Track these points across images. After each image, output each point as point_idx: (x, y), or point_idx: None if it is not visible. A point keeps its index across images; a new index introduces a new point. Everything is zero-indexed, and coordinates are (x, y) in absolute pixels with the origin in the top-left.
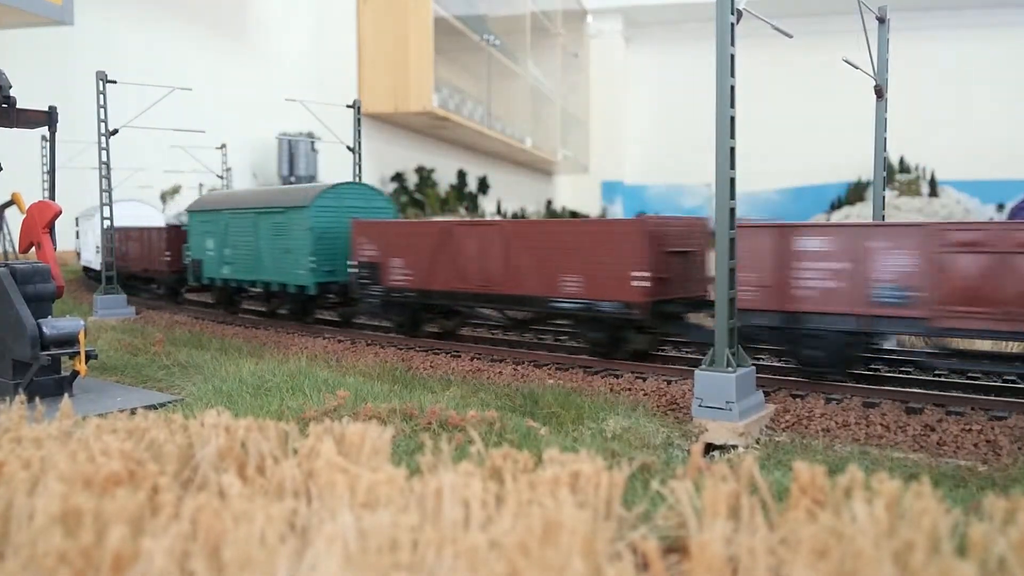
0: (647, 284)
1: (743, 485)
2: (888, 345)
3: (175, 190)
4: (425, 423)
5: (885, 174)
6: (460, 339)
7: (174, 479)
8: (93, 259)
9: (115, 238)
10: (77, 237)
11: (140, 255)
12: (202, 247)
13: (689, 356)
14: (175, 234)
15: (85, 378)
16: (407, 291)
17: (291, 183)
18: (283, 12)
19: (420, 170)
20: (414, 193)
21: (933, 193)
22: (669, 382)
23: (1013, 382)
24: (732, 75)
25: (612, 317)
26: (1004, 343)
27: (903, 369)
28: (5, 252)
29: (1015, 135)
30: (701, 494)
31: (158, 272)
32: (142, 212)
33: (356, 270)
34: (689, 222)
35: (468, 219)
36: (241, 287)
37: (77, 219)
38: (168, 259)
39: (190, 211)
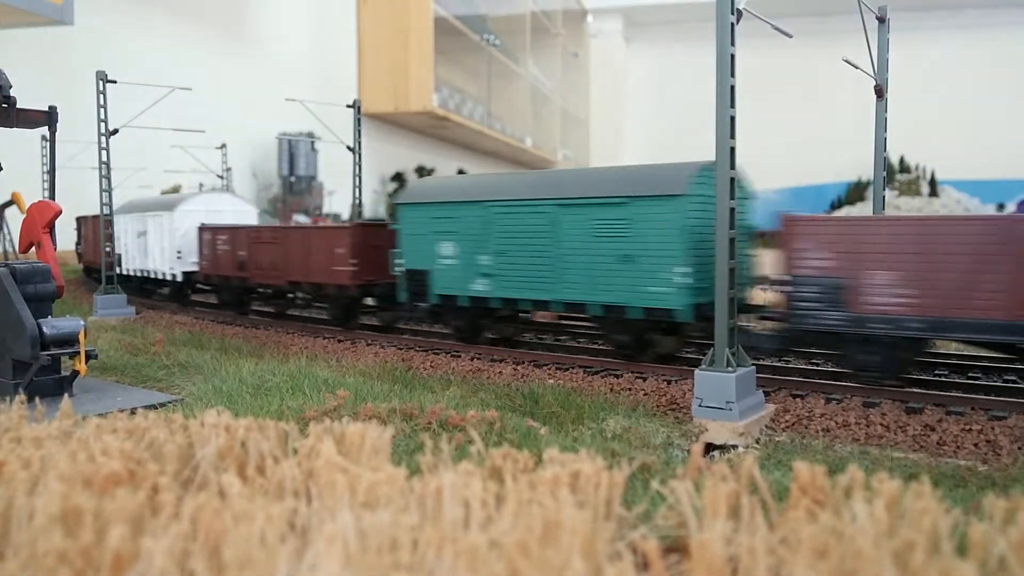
0: None
1: (743, 485)
2: None
3: (175, 190)
4: (425, 423)
5: (885, 174)
6: (460, 339)
7: (174, 479)
8: (160, 266)
9: (212, 240)
10: (110, 240)
11: (283, 263)
12: (429, 252)
13: (689, 356)
14: (364, 235)
15: (85, 378)
16: (905, 320)
17: (291, 183)
18: (283, 12)
19: (420, 170)
20: None
21: (933, 193)
22: (669, 382)
23: (1013, 382)
24: (732, 75)
25: None
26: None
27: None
28: (5, 252)
29: (1015, 135)
30: (701, 494)
31: (331, 286)
32: (234, 206)
33: (793, 288)
34: None
35: None
36: (509, 307)
37: (111, 217)
38: (353, 268)
39: (403, 204)
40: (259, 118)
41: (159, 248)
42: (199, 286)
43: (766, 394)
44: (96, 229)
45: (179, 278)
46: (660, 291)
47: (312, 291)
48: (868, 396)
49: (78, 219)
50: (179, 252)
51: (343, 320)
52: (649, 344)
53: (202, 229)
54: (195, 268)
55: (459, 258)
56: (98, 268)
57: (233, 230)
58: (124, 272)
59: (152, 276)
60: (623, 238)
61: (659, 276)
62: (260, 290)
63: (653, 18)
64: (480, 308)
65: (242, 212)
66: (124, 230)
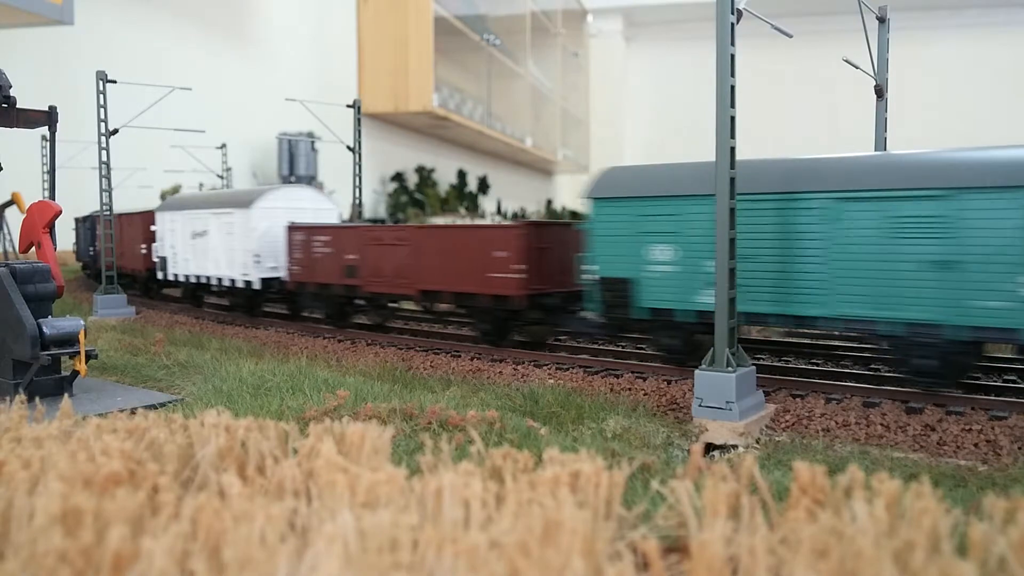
0: None
1: (743, 485)
2: None
3: (175, 190)
4: (425, 423)
5: None
6: (460, 339)
7: (174, 479)
8: (228, 271)
9: (307, 242)
10: (153, 240)
11: (414, 269)
12: (633, 257)
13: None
14: (531, 235)
15: (85, 378)
16: None
17: (291, 183)
18: (283, 12)
19: (420, 170)
20: (414, 193)
21: None
22: (669, 382)
23: (1013, 382)
24: (732, 75)
25: None
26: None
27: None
28: (5, 252)
29: (1015, 135)
30: (701, 494)
31: (486, 296)
32: (315, 203)
33: None
34: None
35: None
36: (750, 324)
37: (160, 212)
38: (521, 276)
39: (598, 198)
40: (259, 118)
41: (226, 251)
42: (272, 295)
43: (766, 394)
44: (124, 228)
45: (256, 285)
46: (998, 306)
47: (456, 302)
48: (868, 396)
49: (86, 218)
50: (257, 256)
51: (496, 336)
52: (962, 369)
53: (292, 229)
54: (278, 274)
55: (679, 264)
56: (129, 273)
57: (338, 230)
58: (171, 278)
59: (213, 283)
60: (938, 239)
61: (997, 288)
62: (367, 300)
63: (653, 18)
64: (704, 324)
65: (324, 209)
66: (171, 230)
